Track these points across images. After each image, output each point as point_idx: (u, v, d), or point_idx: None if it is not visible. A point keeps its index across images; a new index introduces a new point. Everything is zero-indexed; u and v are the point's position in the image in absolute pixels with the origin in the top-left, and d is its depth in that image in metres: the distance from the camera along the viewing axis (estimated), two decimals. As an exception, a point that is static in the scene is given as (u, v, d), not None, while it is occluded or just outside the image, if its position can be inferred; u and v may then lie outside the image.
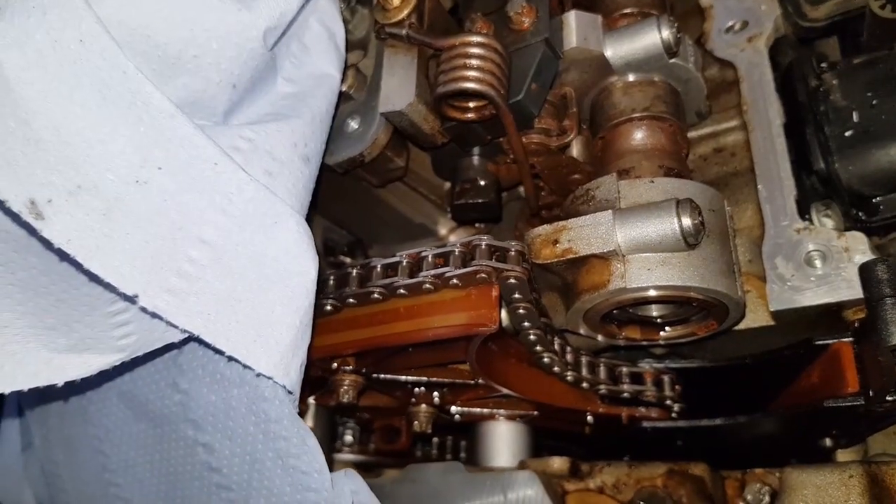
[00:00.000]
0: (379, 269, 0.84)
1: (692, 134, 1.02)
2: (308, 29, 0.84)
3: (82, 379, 0.67)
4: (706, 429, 0.98)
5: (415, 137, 0.94)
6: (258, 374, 0.67)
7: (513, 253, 0.78)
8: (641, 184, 0.81)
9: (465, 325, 0.78)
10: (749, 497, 0.93)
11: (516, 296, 0.79)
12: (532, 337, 0.86)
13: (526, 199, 1.02)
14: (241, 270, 0.67)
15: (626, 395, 0.98)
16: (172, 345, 0.71)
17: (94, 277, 0.63)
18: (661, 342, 0.94)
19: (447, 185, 1.13)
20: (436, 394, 1.03)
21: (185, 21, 0.68)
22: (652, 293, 0.78)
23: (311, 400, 1.10)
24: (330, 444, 1.21)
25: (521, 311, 0.81)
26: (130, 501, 0.86)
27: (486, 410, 1.06)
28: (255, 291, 0.68)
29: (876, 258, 0.77)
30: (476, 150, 1.01)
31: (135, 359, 0.70)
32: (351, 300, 0.84)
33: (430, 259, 0.81)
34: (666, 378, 0.98)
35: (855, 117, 0.85)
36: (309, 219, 0.75)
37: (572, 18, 0.90)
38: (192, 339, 0.69)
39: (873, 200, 0.85)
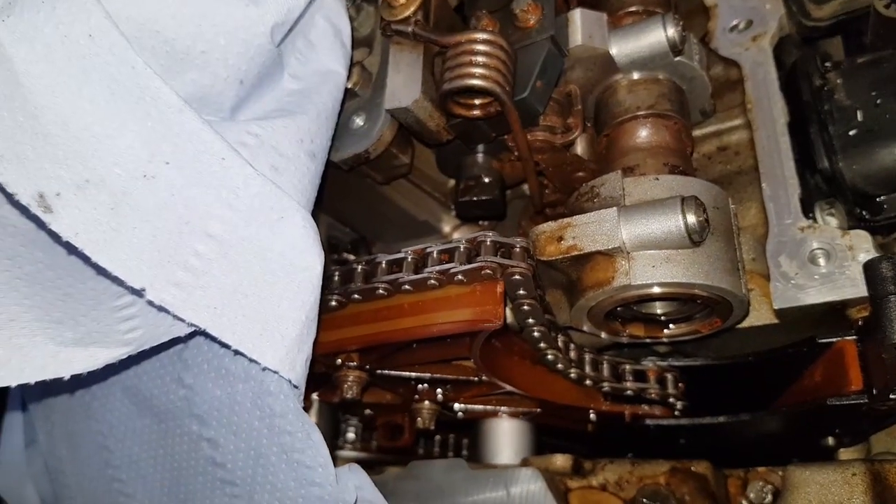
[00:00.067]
0: (384, 265, 0.84)
1: (696, 132, 1.02)
2: (314, 26, 0.84)
3: (88, 373, 0.67)
4: (709, 427, 0.98)
5: (420, 134, 0.94)
6: (264, 369, 0.67)
7: (518, 249, 0.78)
8: (646, 181, 0.81)
9: (470, 322, 0.78)
10: (752, 495, 0.94)
11: (521, 292, 0.79)
12: (536, 334, 0.86)
13: (530, 197, 1.02)
14: (247, 265, 0.68)
15: (629, 392, 0.98)
16: (178, 339, 0.71)
17: (101, 271, 0.64)
18: (665, 340, 0.94)
19: (451, 182, 1.13)
20: (439, 391, 1.04)
21: (193, 16, 0.68)
22: (656, 290, 0.78)
23: (315, 396, 1.11)
24: (333, 440, 1.21)
25: (525, 307, 0.81)
26: (134, 497, 0.86)
27: (489, 407, 1.06)
28: (260, 286, 0.68)
29: (880, 255, 0.77)
30: (481, 147, 1.01)
31: (140, 353, 0.70)
32: (356, 296, 0.85)
33: (434, 255, 0.81)
34: (669, 376, 0.99)
35: (859, 116, 0.85)
36: (314, 215, 0.75)
37: (578, 16, 0.90)
38: (197, 333, 0.69)
39: (877, 199, 0.85)
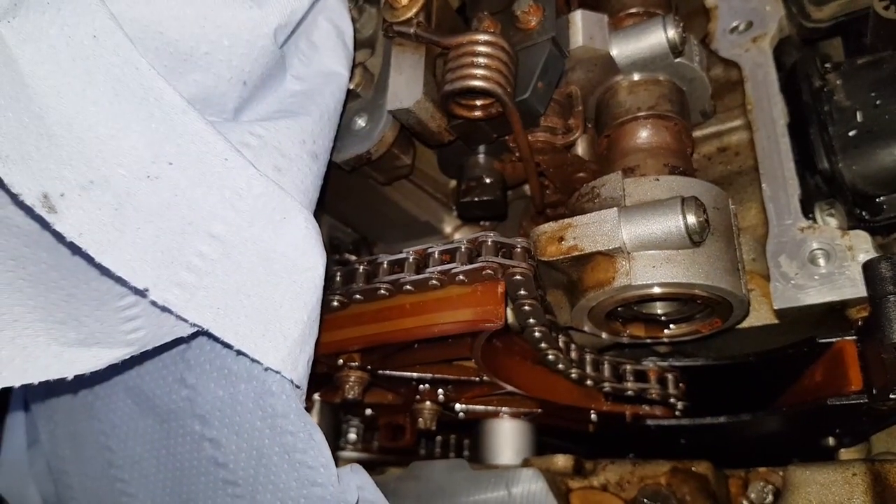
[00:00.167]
0: (385, 266, 0.84)
1: (697, 133, 1.02)
2: (317, 27, 0.84)
3: (91, 373, 0.67)
4: (710, 427, 0.98)
5: (422, 135, 0.95)
6: (266, 369, 0.68)
7: (519, 250, 0.79)
8: (646, 182, 0.82)
9: (471, 322, 0.79)
10: (753, 495, 0.94)
11: (522, 292, 0.79)
12: (537, 334, 0.86)
13: (531, 197, 1.02)
14: (250, 265, 0.68)
15: (630, 392, 0.98)
16: (181, 340, 0.72)
17: (104, 271, 0.64)
18: (666, 340, 0.94)
19: (452, 183, 1.13)
20: (440, 391, 1.04)
21: (196, 18, 0.69)
22: (657, 290, 0.79)
23: (317, 396, 1.11)
24: (334, 441, 1.21)
25: (526, 307, 0.82)
26: (136, 497, 0.87)
27: (490, 408, 1.07)
28: (263, 286, 0.68)
29: (879, 256, 0.77)
30: (482, 148, 1.01)
31: (142, 354, 0.70)
32: (357, 296, 0.85)
33: (436, 255, 0.81)
34: (670, 376, 0.99)
35: (859, 117, 0.85)
36: (316, 216, 0.75)
37: (578, 18, 0.90)
38: (200, 333, 0.69)
39: (877, 200, 0.86)
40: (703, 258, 0.78)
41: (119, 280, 0.64)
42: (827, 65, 0.92)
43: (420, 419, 1.03)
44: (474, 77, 0.82)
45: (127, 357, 0.69)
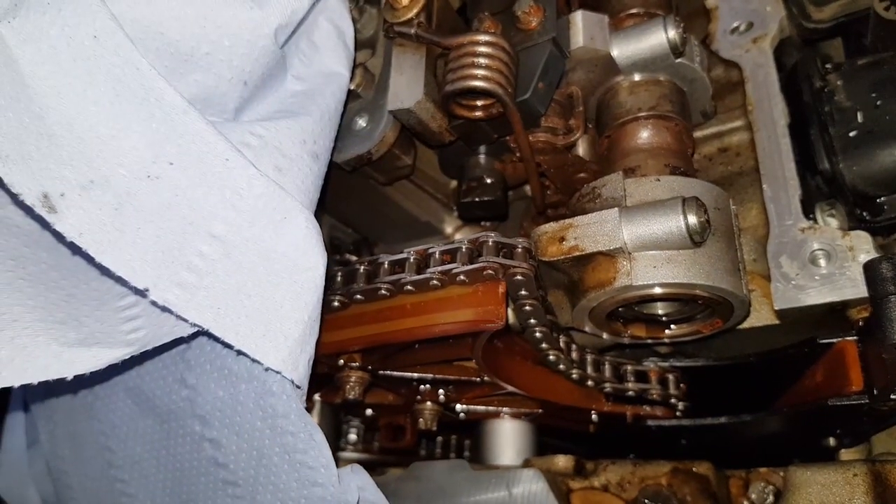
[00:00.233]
0: (386, 266, 0.84)
1: (697, 134, 1.02)
2: (318, 27, 0.84)
3: (90, 374, 0.67)
4: (711, 427, 0.98)
5: (422, 135, 0.95)
6: (266, 369, 0.67)
7: (520, 250, 0.79)
8: (647, 182, 0.82)
9: (472, 322, 0.79)
10: (753, 496, 0.94)
11: (523, 293, 0.79)
12: (538, 334, 0.86)
13: (532, 198, 1.02)
14: (251, 265, 0.68)
15: (630, 393, 0.98)
16: (181, 340, 0.72)
17: (104, 271, 0.64)
18: (667, 340, 0.94)
19: (453, 183, 1.13)
20: (441, 391, 1.04)
21: (197, 18, 0.69)
22: (658, 290, 0.79)
23: (317, 397, 1.11)
24: (335, 442, 1.21)
25: (527, 308, 0.82)
26: (136, 497, 0.87)
27: (491, 408, 1.06)
28: (264, 286, 0.68)
29: (880, 256, 0.77)
30: (483, 148, 1.01)
31: (142, 354, 0.70)
32: (358, 296, 0.85)
33: (437, 255, 0.81)
34: (671, 376, 0.99)
35: (859, 118, 0.85)
36: (317, 216, 0.75)
37: (579, 18, 0.90)
38: (200, 333, 0.69)
39: (877, 200, 0.86)
40: (704, 258, 0.78)
41: (119, 280, 0.64)
42: (827, 65, 0.92)
43: (421, 419, 1.03)
44: (475, 77, 0.82)
45: (127, 357, 0.69)
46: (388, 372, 0.98)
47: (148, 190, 0.64)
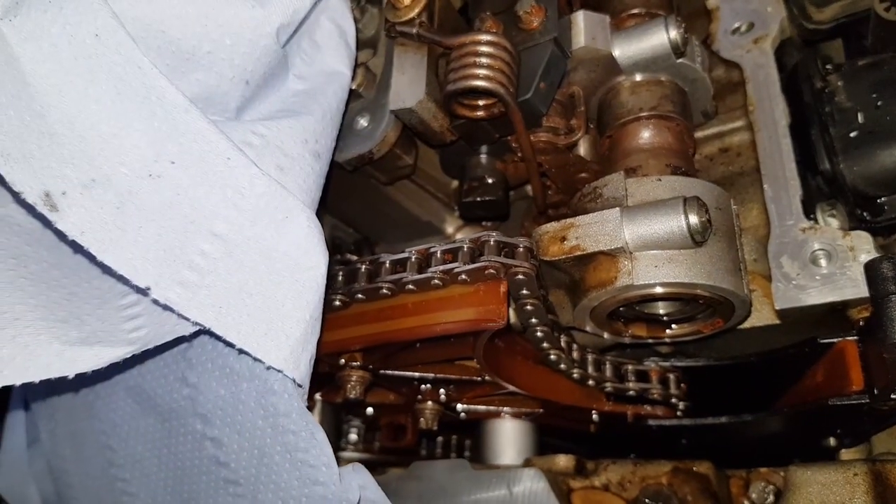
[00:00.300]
0: (388, 265, 0.84)
1: (698, 134, 1.03)
2: (319, 27, 0.84)
3: (92, 372, 0.67)
4: (711, 427, 0.98)
5: (424, 135, 0.95)
6: (268, 368, 0.68)
7: (521, 249, 0.79)
8: (649, 182, 0.82)
9: (473, 321, 0.79)
10: (754, 496, 0.94)
11: (524, 292, 0.79)
12: (539, 334, 0.86)
13: (533, 198, 1.03)
14: (252, 264, 0.68)
15: (631, 393, 0.98)
16: (182, 338, 0.72)
17: (106, 270, 0.64)
18: (668, 340, 0.94)
19: (454, 183, 1.13)
20: (442, 391, 1.04)
21: (199, 17, 0.69)
22: (659, 290, 0.79)
23: (318, 396, 1.11)
24: (335, 442, 1.21)
25: (528, 307, 0.82)
26: (137, 496, 0.87)
27: (491, 408, 1.07)
28: (265, 285, 0.68)
29: (881, 255, 0.78)
30: (484, 148, 1.01)
31: (144, 353, 0.70)
32: (359, 296, 0.85)
33: (438, 255, 0.81)
34: (671, 376, 0.99)
35: (860, 118, 0.85)
36: (318, 215, 0.75)
37: (581, 18, 0.90)
38: (202, 332, 0.69)
39: (878, 201, 0.86)
40: (705, 258, 0.78)
41: (121, 279, 0.64)
42: (828, 66, 0.92)
43: (422, 419, 1.03)
44: (477, 77, 0.82)
45: (128, 356, 0.69)
46: (389, 371, 0.98)
47: (149, 189, 0.64)
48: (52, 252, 0.71)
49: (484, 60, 0.83)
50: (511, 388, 0.97)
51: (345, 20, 0.89)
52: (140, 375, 0.82)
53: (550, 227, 0.83)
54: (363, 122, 0.93)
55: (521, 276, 0.77)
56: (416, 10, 0.88)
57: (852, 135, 0.85)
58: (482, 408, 1.06)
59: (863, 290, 0.78)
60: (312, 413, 1.11)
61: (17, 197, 0.61)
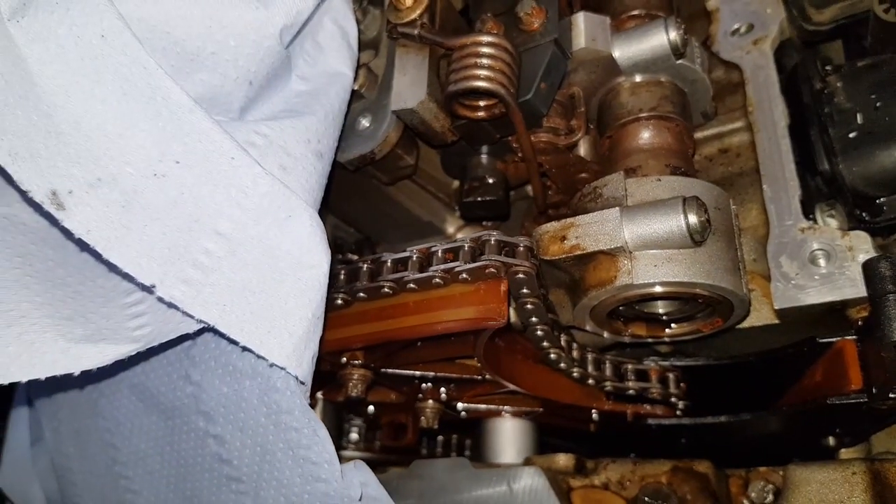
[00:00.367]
0: (389, 264, 0.85)
1: (698, 135, 1.03)
2: (322, 28, 0.85)
3: (96, 370, 0.68)
4: (711, 426, 0.98)
5: (425, 135, 0.96)
6: (271, 365, 0.68)
7: (521, 248, 0.79)
8: (648, 182, 0.82)
9: (474, 319, 0.79)
10: (753, 495, 0.94)
11: (524, 291, 0.80)
12: (539, 333, 0.87)
13: (533, 198, 1.03)
14: (256, 263, 0.69)
15: (631, 392, 0.98)
16: (186, 336, 0.73)
17: (111, 268, 0.65)
18: (667, 339, 0.95)
19: (455, 183, 1.14)
20: (443, 390, 1.04)
21: (203, 18, 0.69)
22: (658, 289, 0.79)
23: (320, 395, 1.11)
24: (336, 441, 1.21)
25: (528, 306, 0.82)
26: (140, 494, 0.87)
27: (492, 407, 1.07)
28: (268, 283, 0.69)
29: (879, 255, 0.78)
30: (485, 148, 1.02)
31: (148, 350, 0.71)
32: (361, 294, 0.86)
33: (439, 254, 0.82)
34: (671, 375, 0.99)
35: (859, 119, 0.86)
36: (320, 215, 0.76)
37: (581, 20, 0.91)
38: (205, 330, 0.70)
39: (877, 201, 0.86)
40: (705, 257, 0.78)
41: (126, 277, 0.64)
42: (827, 67, 0.93)
43: (422, 417, 1.04)
44: (478, 78, 0.83)
45: (133, 353, 0.70)
46: (391, 370, 0.98)
47: (154, 188, 0.65)
48: (57, 251, 0.72)
49: (485, 61, 0.83)
50: (511, 386, 0.98)
51: (347, 21, 0.89)
52: (144, 373, 0.83)
53: (550, 227, 0.83)
54: (365, 122, 0.94)
55: (521, 275, 0.78)
56: (418, 12, 0.89)
57: (851, 135, 0.85)
58: (482, 407, 1.07)
59: (861, 290, 0.79)
60: (314, 411, 1.12)
61: (24, 196, 0.62)
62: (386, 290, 0.84)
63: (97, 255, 0.63)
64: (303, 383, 0.70)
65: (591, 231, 0.80)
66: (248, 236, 0.68)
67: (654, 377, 0.98)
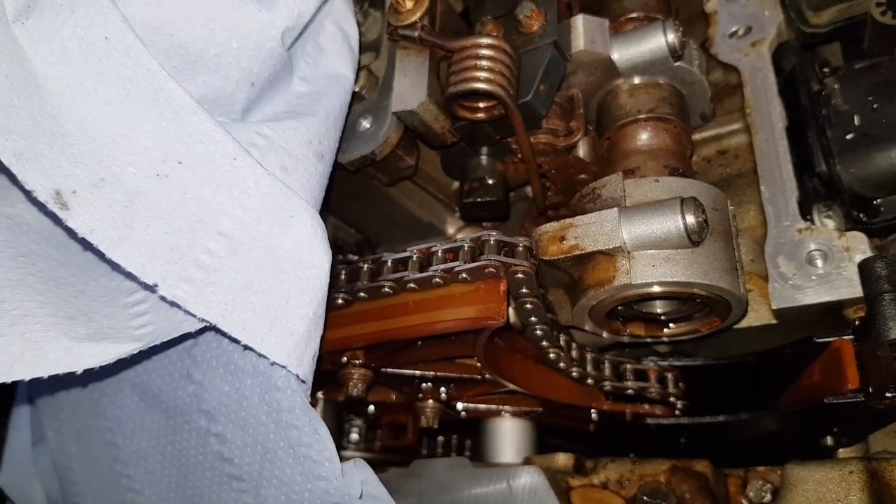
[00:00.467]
0: (389, 264, 0.85)
1: (696, 136, 1.04)
2: (323, 30, 0.86)
3: (98, 369, 0.68)
4: (709, 426, 0.99)
5: (425, 137, 0.96)
6: (272, 364, 0.69)
7: (521, 248, 0.80)
8: (646, 183, 0.83)
9: (474, 319, 0.80)
10: (751, 494, 0.94)
11: (523, 291, 0.81)
12: (538, 332, 0.87)
13: (533, 199, 1.04)
14: (257, 262, 0.69)
15: (630, 391, 0.99)
16: (187, 336, 0.73)
17: (114, 267, 0.65)
18: (665, 339, 0.95)
19: (455, 184, 1.15)
20: (442, 389, 1.05)
21: (206, 20, 0.70)
22: (656, 289, 0.80)
23: (320, 394, 1.12)
24: (337, 441, 1.21)
25: (528, 306, 0.83)
26: (141, 493, 0.88)
27: (491, 406, 1.07)
28: (270, 283, 0.69)
29: (875, 255, 0.78)
30: (485, 149, 1.03)
31: (150, 349, 0.71)
32: (362, 294, 0.86)
33: (439, 254, 0.82)
34: (670, 375, 1.00)
35: (856, 121, 0.86)
36: (321, 215, 0.77)
37: (580, 22, 0.92)
38: (207, 329, 0.71)
39: (874, 202, 0.87)
40: (702, 258, 0.79)
41: (128, 276, 0.65)
42: (825, 69, 0.93)
43: (422, 417, 1.04)
44: (478, 79, 0.84)
45: (135, 352, 0.70)
46: (391, 369, 0.99)
47: (157, 188, 0.66)
48: (60, 250, 0.73)
49: (485, 63, 0.84)
50: (511, 386, 0.98)
51: (348, 24, 0.90)
52: (146, 372, 0.83)
53: (550, 227, 0.84)
54: (366, 123, 0.95)
55: (520, 275, 0.79)
56: (418, 14, 0.90)
57: (849, 137, 0.86)
58: (482, 406, 1.07)
59: (858, 290, 0.79)
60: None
61: (28, 195, 0.63)
62: (386, 289, 0.84)
63: (100, 255, 0.64)
64: (304, 382, 0.71)
65: (589, 231, 0.80)
66: (249, 236, 0.69)
67: (653, 377, 0.99)
